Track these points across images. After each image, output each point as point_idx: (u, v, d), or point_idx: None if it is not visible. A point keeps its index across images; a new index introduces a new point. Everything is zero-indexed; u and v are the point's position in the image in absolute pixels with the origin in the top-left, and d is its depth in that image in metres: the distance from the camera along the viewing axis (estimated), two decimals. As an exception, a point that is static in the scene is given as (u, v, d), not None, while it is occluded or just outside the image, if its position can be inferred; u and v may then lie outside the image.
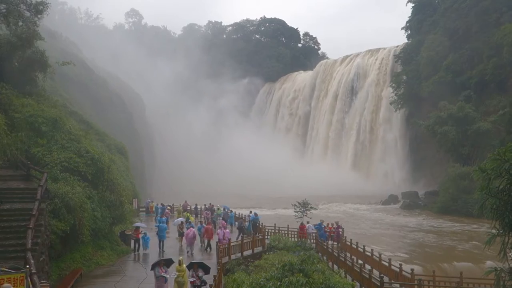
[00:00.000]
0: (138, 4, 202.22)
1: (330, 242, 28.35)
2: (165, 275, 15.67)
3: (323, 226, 29.45)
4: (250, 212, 33.48)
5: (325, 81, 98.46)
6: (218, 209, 37.88)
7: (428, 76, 67.83)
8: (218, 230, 25.30)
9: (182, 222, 27.08)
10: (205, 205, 41.16)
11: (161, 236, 24.91)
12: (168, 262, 16.31)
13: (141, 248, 24.35)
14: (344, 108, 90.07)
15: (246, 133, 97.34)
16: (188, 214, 36.59)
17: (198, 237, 25.59)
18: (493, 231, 8.50)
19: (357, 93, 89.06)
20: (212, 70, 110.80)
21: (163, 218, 30.07)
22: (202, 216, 39.14)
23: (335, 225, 29.79)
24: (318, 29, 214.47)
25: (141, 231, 24.82)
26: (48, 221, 17.37)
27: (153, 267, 15.92)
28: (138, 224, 26.87)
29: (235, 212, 37.95)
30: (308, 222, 31.45)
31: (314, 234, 29.46)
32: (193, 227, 26.43)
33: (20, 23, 27.85)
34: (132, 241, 24.57)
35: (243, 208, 47.37)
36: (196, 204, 42.96)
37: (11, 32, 27.35)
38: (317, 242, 28.26)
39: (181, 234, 26.24)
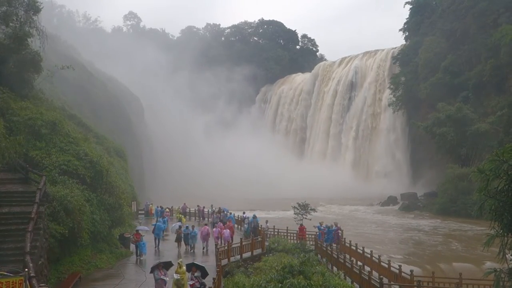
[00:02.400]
0: (136, 7, 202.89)
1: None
2: (165, 278, 15.63)
3: (322, 227, 29.38)
4: (244, 213, 33.44)
5: (324, 83, 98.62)
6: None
7: (426, 78, 68.03)
8: (214, 228, 25.36)
9: (180, 227, 27.05)
10: (207, 206, 41.20)
11: (157, 234, 25.62)
12: (167, 265, 16.27)
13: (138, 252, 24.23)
14: (343, 110, 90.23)
15: (245, 135, 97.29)
16: (181, 215, 36.58)
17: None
18: (492, 232, 8.50)
19: (355, 95, 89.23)
20: (211, 72, 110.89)
21: (161, 219, 30.16)
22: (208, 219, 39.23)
23: (334, 227, 29.71)
24: (316, 31, 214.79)
25: (141, 235, 24.69)
26: (47, 224, 17.32)
27: (152, 270, 15.88)
28: (140, 227, 26.77)
29: (234, 214, 37.89)
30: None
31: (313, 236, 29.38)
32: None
33: (18, 25, 27.82)
34: (133, 245, 24.46)
35: (242, 210, 47.30)
36: (204, 207, 42.45)
37: (6, 36, 27.30)
38: (317, 244, 28.24)
39: (179, 239, 26.17)
